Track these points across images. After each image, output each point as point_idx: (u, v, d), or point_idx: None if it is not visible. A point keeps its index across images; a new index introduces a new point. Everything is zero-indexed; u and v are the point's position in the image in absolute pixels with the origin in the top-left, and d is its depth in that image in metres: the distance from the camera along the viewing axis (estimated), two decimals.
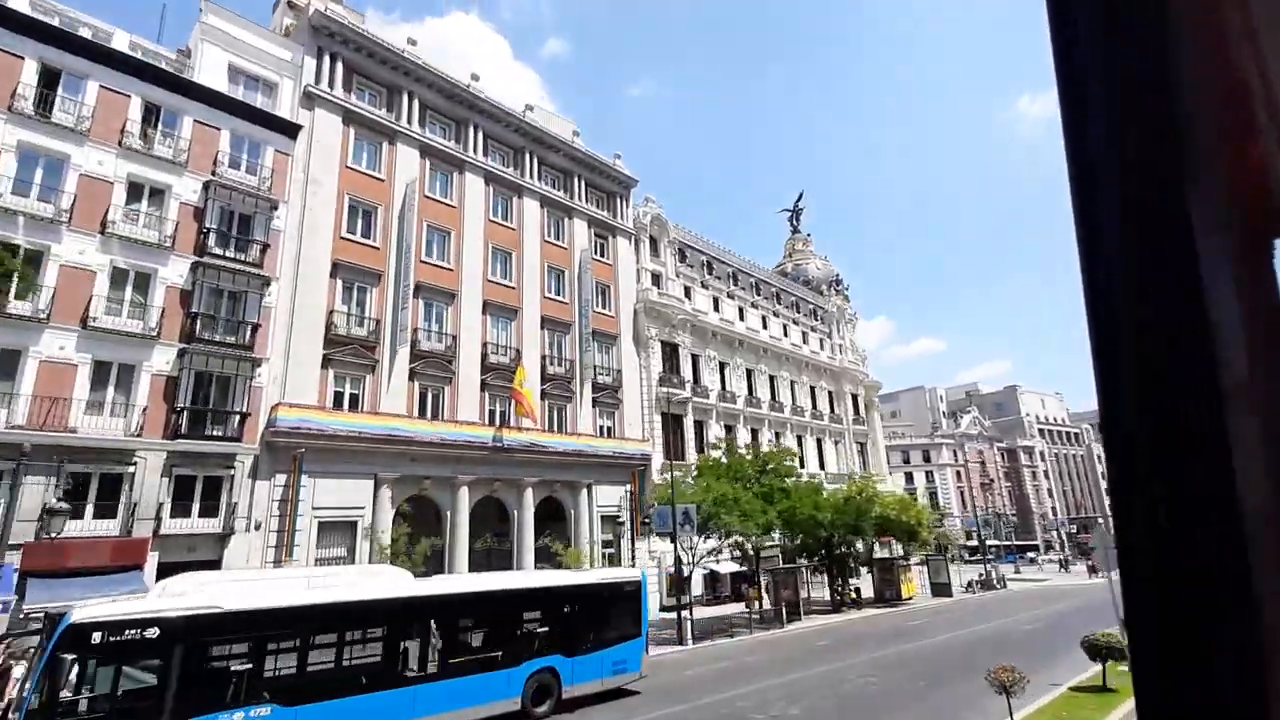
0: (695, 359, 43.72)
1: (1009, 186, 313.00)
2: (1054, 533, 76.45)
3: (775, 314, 54.12)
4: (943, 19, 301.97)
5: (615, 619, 15.68)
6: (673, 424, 39.93)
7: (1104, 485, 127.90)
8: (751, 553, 28.81)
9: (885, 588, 38.40)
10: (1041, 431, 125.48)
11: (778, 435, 49.38)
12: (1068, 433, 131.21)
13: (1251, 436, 0.57)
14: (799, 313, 57.81)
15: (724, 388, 45.57)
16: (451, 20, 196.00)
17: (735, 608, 33.48)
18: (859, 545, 38.02)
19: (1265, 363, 0.59)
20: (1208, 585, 0.58)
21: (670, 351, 41.39)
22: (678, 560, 25.25)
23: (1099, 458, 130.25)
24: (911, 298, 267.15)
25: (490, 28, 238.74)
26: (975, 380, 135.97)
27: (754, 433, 46.93)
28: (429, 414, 28.02)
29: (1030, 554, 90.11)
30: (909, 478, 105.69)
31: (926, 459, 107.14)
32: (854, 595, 34.40)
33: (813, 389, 55.38)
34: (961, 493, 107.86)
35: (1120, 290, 0.65)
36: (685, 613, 24.17)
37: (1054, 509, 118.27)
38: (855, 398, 59.88)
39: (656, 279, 42.41)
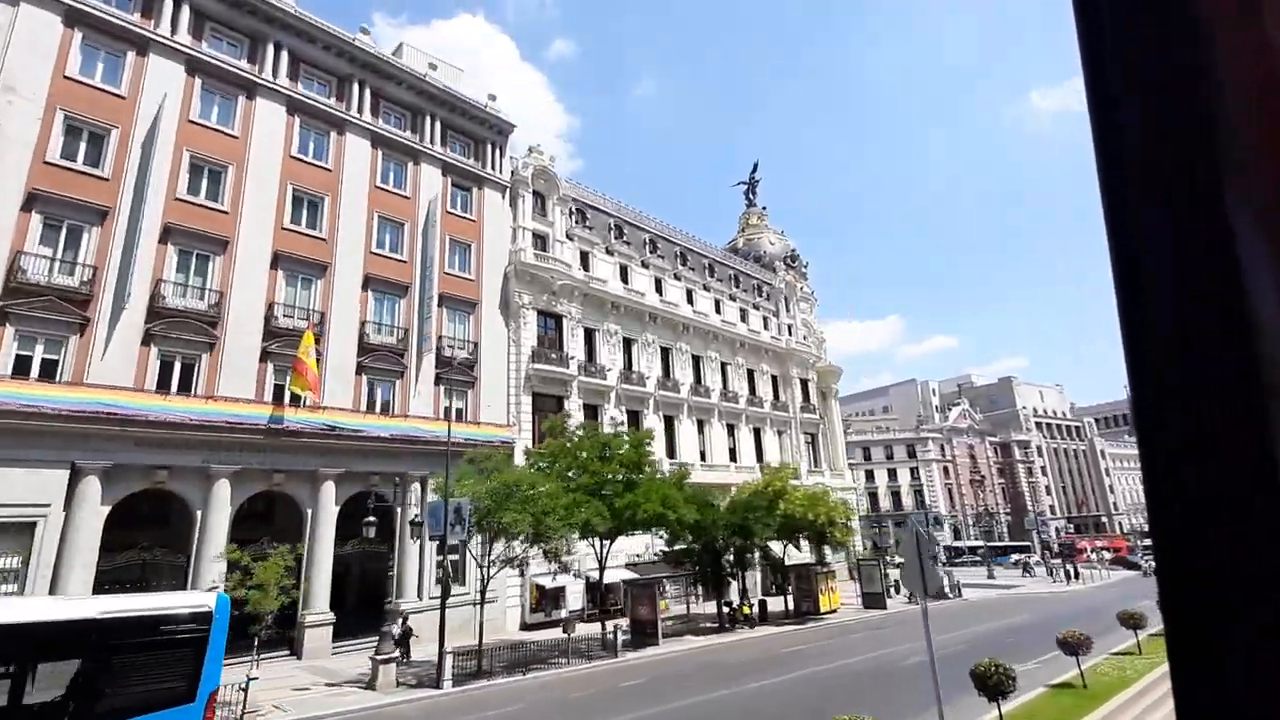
0: (590, 334, 37.81)
1: (1022, 181, 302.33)
2: (1035, 533, 69.34)
3: (706, 288, 48.01)
4: (956, 14, 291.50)
5: (137, 677, 9.88)
6: (554, 407, 34.07)
7: (1108, 482, 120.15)
8: (562, 560, 22.76)
9: (802, 599, 32.29)
10: (1039, 425, 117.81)
11: (701, 423, 43.36)
12: (1069, 426, 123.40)
13: None
14: (738, 288, 51.68)
15: (629, 367, 39.61)
16: (459, 22, 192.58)
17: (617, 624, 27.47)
18: (772, 549, 31.88)
19: None
20: (1220, 585, 0.56)
21: (554, 324, 35.51)
22: (446, 574, 19.33)
23: (1103, 453, 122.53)
24: (924, 295, 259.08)
25: (496, 29, 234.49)
26: (984, 375, 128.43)
27: (669, 420, 40.93)
28: (174, 387, 22.31)
29: (1017, 555, 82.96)
30: (892, 475, 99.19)
31: (912, 454, 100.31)
32: (748, 610, 28.24)
33: (751, 372, 49.23)
34: (950, 490, 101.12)
35: (1155, 288, 0.62)
36: (449, 646, 18.15)
37: (1053, 507, 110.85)
38: (806, 383, 53.66)
39: (542, 241, 36.56)
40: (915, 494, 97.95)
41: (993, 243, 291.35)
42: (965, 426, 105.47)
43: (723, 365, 46.71)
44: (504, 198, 34.87)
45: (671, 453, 40.31)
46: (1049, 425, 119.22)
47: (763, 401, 48.82)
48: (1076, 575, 49.61)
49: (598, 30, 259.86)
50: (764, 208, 66.90)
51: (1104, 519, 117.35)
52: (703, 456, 42.51)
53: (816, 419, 52.99)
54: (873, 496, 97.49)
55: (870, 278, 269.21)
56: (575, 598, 32.18)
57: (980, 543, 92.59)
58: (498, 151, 35.27)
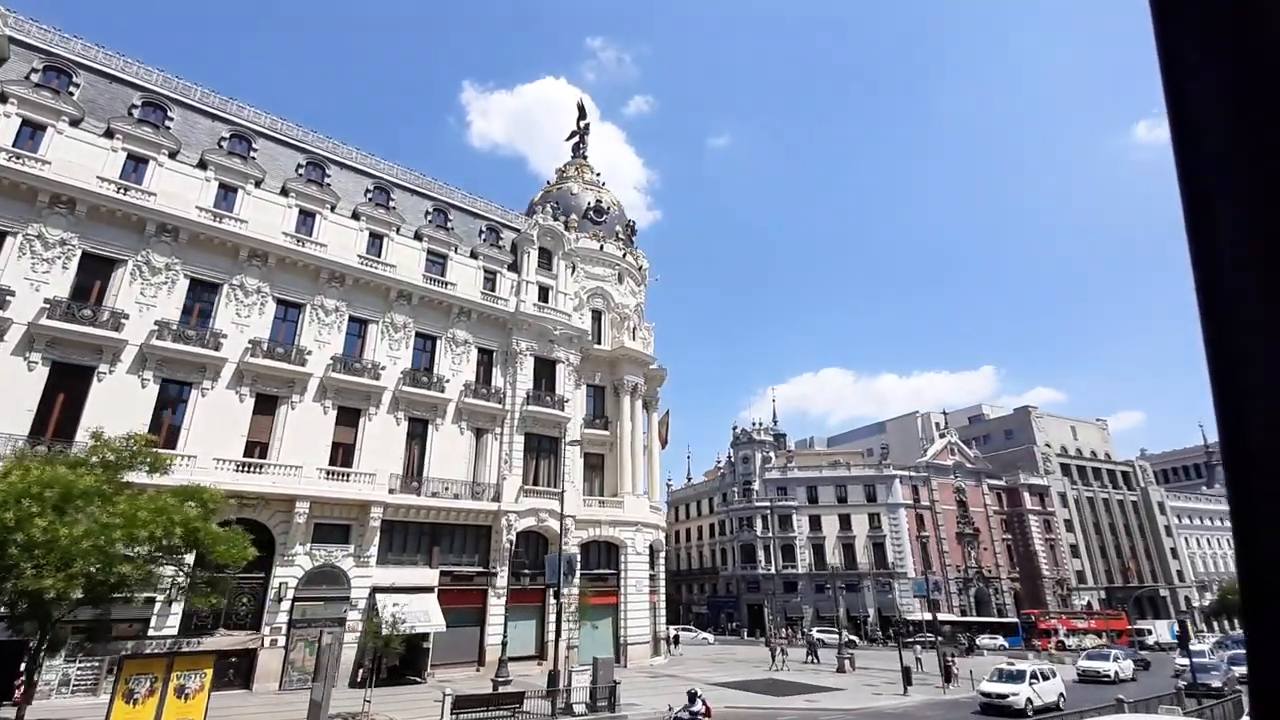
0: None
1: (1131, 219, 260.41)
2: (926, 598, 47.67)
3: (357, 215, 32.88)
4: (1049, 48, 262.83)
5: None
6: None
7: (1169, 545, 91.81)
8: None
9: None
10: (1065, 468, 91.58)
11: (273, 399, 27.75)
12: (1114, 472, 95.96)
13: None
14: (444, 229, 36.28)
15: (99, 301, 24.88)
16: (542, 85, 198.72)
17: None
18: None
19: None
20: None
21: None
22: None
23: (1162, 506, 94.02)
24: (1025, 345, 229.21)
25: (577, 90, 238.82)
26: (1001, 408, 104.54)
27: (174, 386, 25.62)
28: None
29: (989, 635, 59.93)
30: (844, 522, 77.45)
31: (871, 498, 78.58)
32: None
33: (431, 340, 33.29)
34: (924, 544, 77.51)
35: (1244, 334, 0.63)
36: None
37: (1081, 573, 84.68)
38: (552, 365, 36.93)
39: None
40: (874, 548, 75.88)
41: (1103, 287, 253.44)
42: (951, 464, 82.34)
43: (359, 322, 31.14)
44: None
45: (170, 442, 24.83)
46: (1080, 468, 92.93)
47: (442, 382, 32.58)
48: (948, 678, 29.24)
49: (674, 85, 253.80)
50: (585, 157, 51.56)
51: (1162, 591, 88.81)
52: (262, 453, 26.78)
53: (560, 417, 35.77)
54: (818, 550, 76.12)
55: (962, 327, 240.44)
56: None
57: (958, 616, 69.71)
58: None
